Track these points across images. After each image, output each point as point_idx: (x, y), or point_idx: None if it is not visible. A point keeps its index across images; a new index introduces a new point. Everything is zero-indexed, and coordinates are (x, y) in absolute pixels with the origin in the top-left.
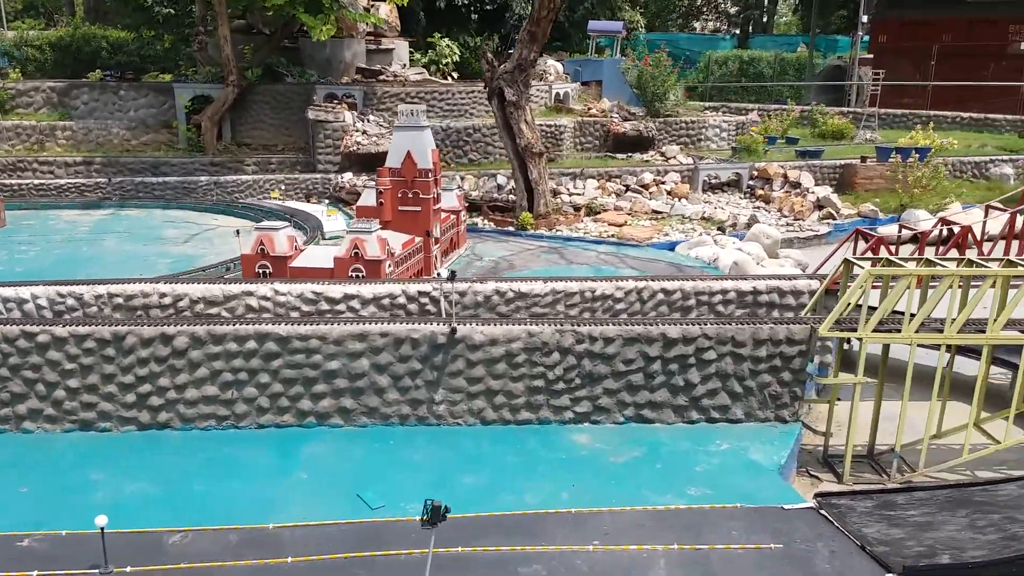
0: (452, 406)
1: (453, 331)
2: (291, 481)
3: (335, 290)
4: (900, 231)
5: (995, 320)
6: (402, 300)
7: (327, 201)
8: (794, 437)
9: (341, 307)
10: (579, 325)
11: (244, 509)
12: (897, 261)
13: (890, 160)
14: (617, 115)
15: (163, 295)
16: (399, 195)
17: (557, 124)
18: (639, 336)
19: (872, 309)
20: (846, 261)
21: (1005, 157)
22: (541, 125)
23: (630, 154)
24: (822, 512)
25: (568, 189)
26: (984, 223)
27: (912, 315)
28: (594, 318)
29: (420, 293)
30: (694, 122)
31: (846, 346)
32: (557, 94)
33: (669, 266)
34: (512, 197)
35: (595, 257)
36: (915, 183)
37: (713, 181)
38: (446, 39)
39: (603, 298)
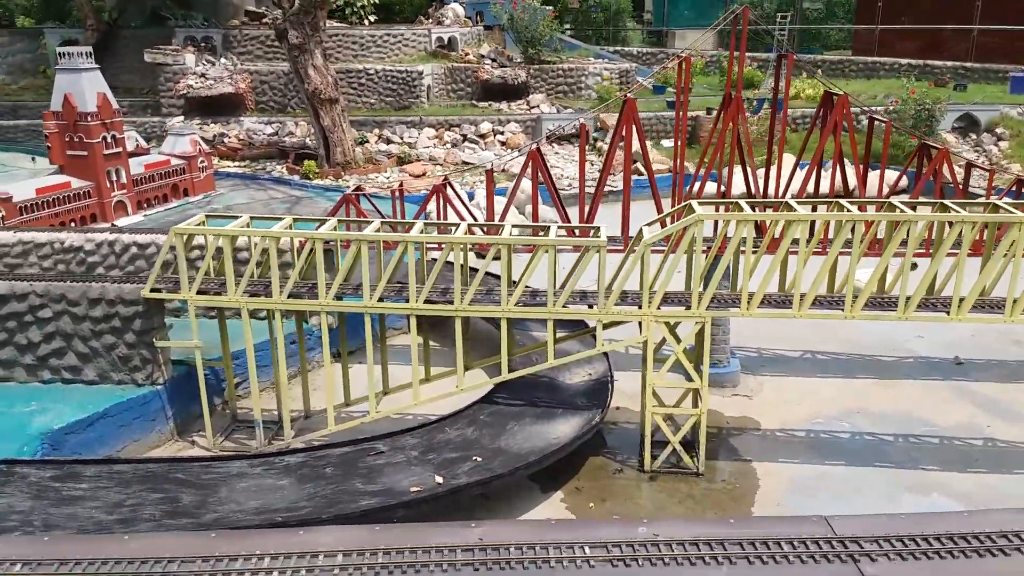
0: None
1: None
2: None
3: None
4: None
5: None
6: None
7: None
8: (119, 401)
9: None
10: None
11: None
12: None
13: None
14: (491, 61)
15: None
16: (66, 139)
17: (410, 71)
18: None
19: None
20: (206, 215)
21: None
22: (392, 71)
23: (491, 103)
24: None
25: (402, 137)
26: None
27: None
28: None
29: None
30: (572, 70)
31: None
32: (440, 38)
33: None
34: None
35: (321, 208)
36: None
37: (560, 132)
38: None
39: (74, 250)
